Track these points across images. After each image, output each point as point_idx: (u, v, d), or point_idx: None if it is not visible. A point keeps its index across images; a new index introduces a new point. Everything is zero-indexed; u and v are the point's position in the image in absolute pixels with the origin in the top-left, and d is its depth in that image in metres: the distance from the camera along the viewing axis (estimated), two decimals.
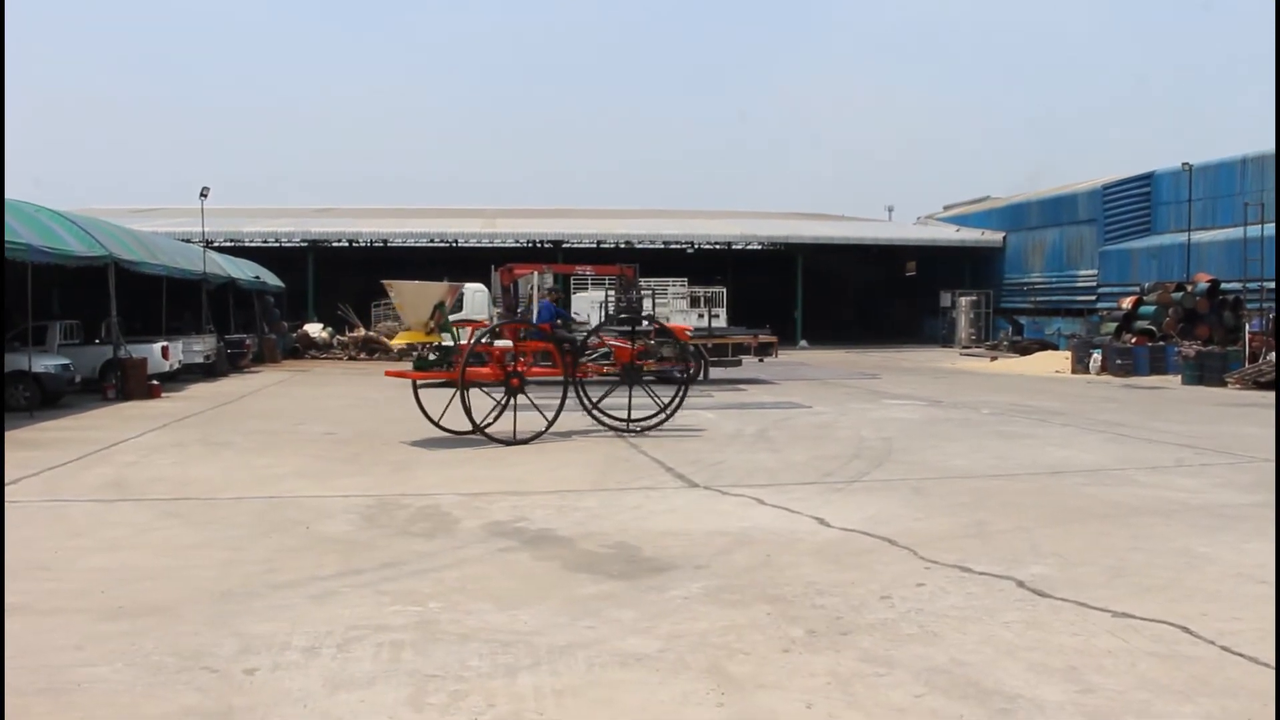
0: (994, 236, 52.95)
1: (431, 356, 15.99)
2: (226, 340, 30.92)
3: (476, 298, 26.61)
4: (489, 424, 15.06)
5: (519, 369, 15.52)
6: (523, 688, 5.15)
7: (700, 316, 32.32)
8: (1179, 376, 27.83)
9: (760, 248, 56.95)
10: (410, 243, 50.73)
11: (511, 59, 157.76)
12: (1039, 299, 49.57)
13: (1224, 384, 25.79)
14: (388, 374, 17.54)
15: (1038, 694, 5.04)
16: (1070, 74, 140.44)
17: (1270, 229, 33.39)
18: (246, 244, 46.04)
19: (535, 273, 28.08)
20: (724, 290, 38.94)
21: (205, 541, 8.49)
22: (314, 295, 46.06)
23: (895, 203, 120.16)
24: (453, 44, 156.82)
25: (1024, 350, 40.55)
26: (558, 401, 15.39)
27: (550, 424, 15.11)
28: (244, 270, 37.28)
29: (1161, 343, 31.67)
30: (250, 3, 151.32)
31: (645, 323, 17.60)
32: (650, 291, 29.81)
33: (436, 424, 15.39)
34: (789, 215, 60.63)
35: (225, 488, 11.04)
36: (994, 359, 39.12)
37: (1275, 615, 6.04)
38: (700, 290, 38.12)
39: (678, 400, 16.00)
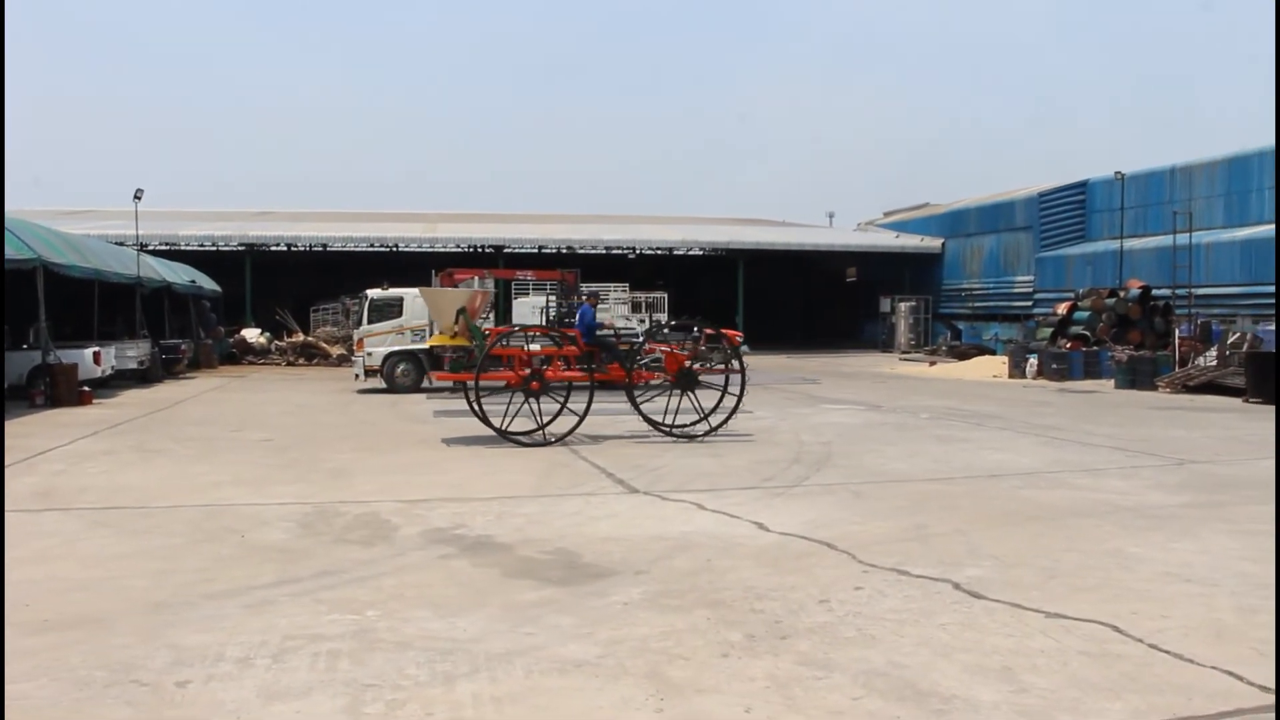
0: (933, 243, 53.64)
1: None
2: (161, 345, 30.42)
3: (416, 303, 26.33)
4: (545, 425, 15.27)
5: (543, 372, 15.67)
6: (461, 695, 5.11)
7: (642, 321, 32.34)
8: (1112, 381, 28.38)
9: (702, 253, 57.19)
10: (350, 247, 50.28)
11: (452, 62, 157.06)
12: (977, 304, 50.27)
13: (1155, 388, 26.32)
14: (437, 377, 17.46)
15: (973, 694, 5.10)
16: (1015, 81, 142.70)
17: (1198, 237, 34.20)
18: (183, 247, 45.32)
19: (476, 278, 27.95)
20: (665, 295, 39.01)
21: (137, 551, 8.33)
22: (252, 300, 45.46)
23: (836, 209, 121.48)
24: (393, 46, 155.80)
25: (962, 355, 41.12)
26: (624, 405, 15.73)
27: (574, 427, 15.29)
28: (180, 274, 36.71)
29: (1095, 348, 32.28)
30: (188, 4, 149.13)
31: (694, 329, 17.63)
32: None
33: (501, 432, 15.17)
34: (730, 221, 60.96)
35: (159, 496, 10.84)
36: (933, 364, 39.60)
37: (1275, 617, 6.14)
38: (642, 295, 38.16)
39: (736, 404, 16.21)
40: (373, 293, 26.96)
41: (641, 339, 17.83)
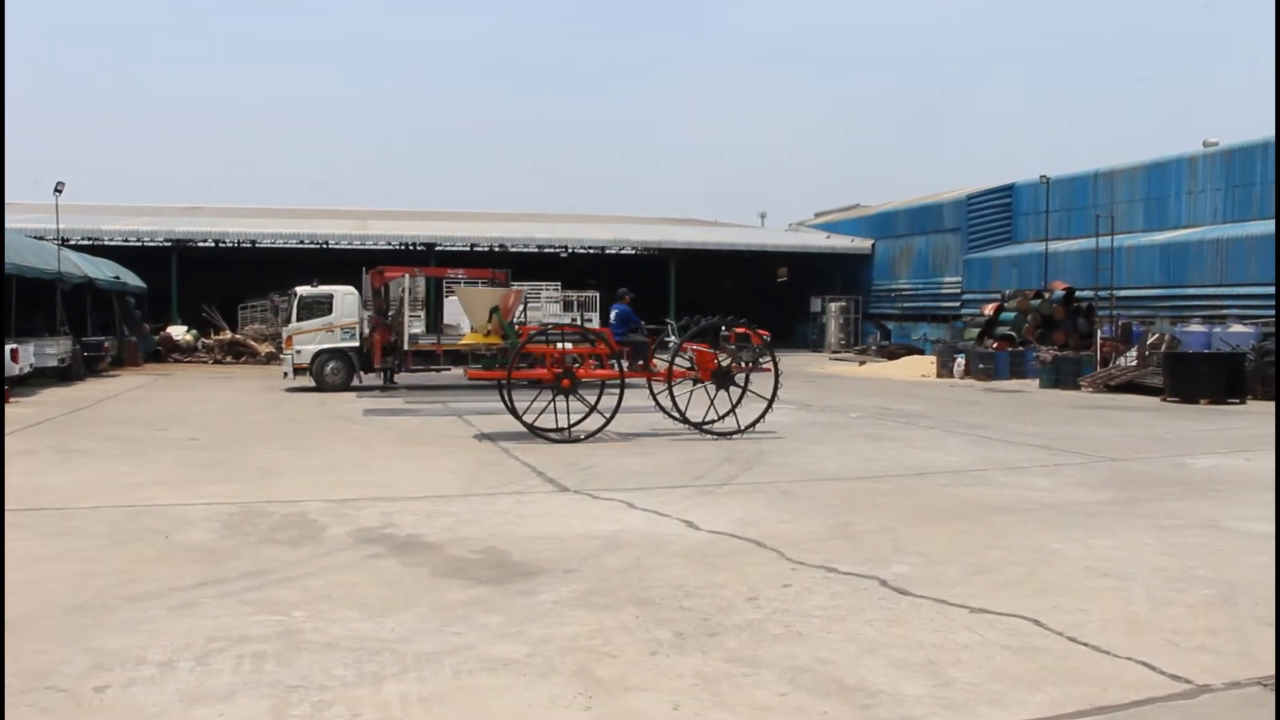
0: (863, 243, 54.20)
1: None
2: (83, 343, 29.74)
3: (346, 300, 26.04)
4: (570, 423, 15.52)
5: (575, 370, 15.87)
6: (388, 696, 5.07)
7: (573, 320, 32.30)
8: (1037, 380, 28.90)
9: (634, 252, 57.21)
10: (279, 243, 49.55)
11: (384, 60, 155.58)
12: (906, 305, 50.93)
13: (1078, 387, 26.87)
14: (471, 375, 17.45)
15: (898, 689, 5.17)
16: (945, 80, 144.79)
17: (1120, 240, 34.99)
18: (106, 243, 44.34)
19: (406, 275, 27.73)
20: (597, 294, 38.99)
21: (56, 554, 8.14)
22: (178, 297, 44.57)
23: (768, 209, 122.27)
24: (324, 40, 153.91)
25: (891, 355, 41.66)
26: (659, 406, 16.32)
27: (606, 423, 15.56)
28: (102, 270, 35.94)
29: (1021, 348, 32.84)
30: None
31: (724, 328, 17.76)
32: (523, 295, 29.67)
33: (538, 430, 15.32)
34: (663, 220, 61.09)
35: (80, 497, 10.60)
36: (863, 363, 40.08)
37: (1276, 610, 6.25)
38: (574, 294, 38.12)
39: (770, 401, 16.52)
40: (302, 290, 26.60)
41: (676, 339, 17.99)
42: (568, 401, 15.54)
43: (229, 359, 38.26)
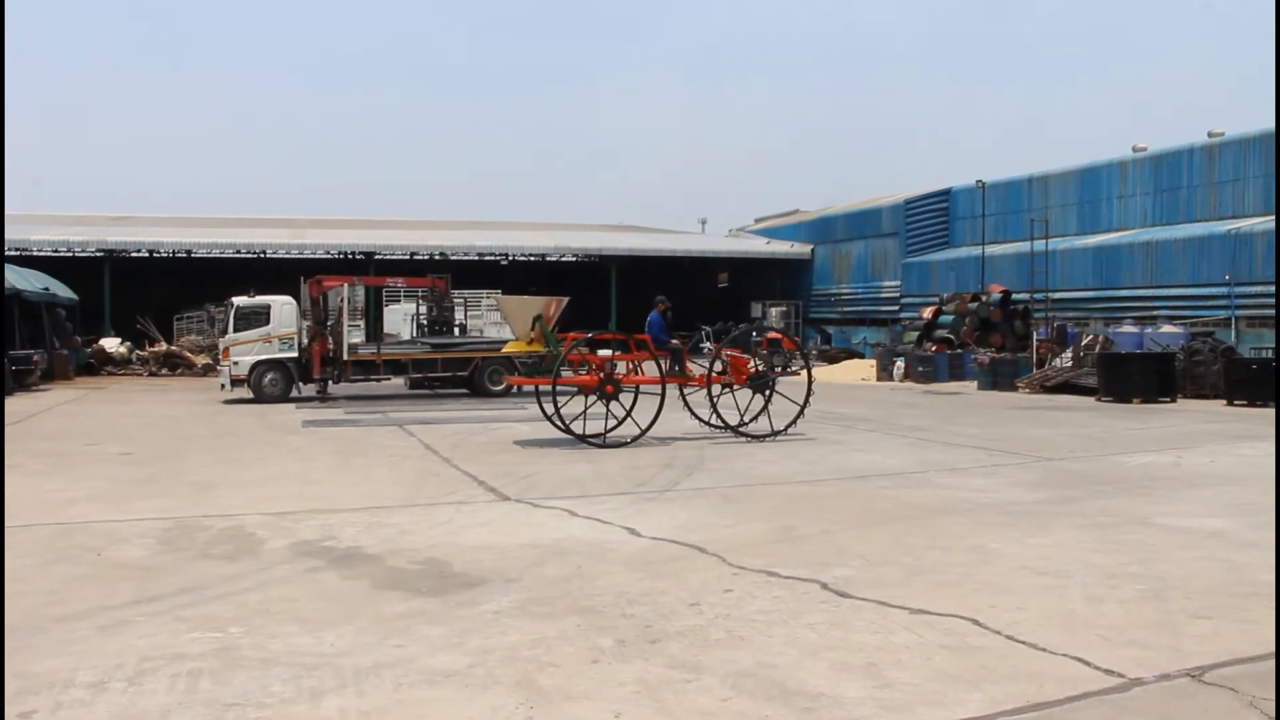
0: (803, 248, 54.58)
1: None
2: (10, 356, 29.06)
3: (284, 310, 25.71)
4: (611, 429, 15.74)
5: (617, 377, 16.20)
6: (328, 711, 5.00)
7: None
8: (975, 382, 29.31)
9: (575, 259, 57.18)
10: (215, 253, 48.94)
11: (322, 64, 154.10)
12: (846, 309, 51.35)
13: (1015, 388, 27.28)
14: (511, 381, 17.30)
15: (839, 691, 5.20)
16: (883, 86, 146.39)
17: (1054, 243, 35.60)
18: (35, 253, 43.45)
19: (345, 285, 27.46)
20: None
21: None
22: (111, 308, 43.73)
23: (708, 215, 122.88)
24: (255, 46, 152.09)
25: (832, 359, 41.98)
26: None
27: (647, 429, 15.82)
28: (31, 281, 35.22)
29: (959, 350, 33.30)
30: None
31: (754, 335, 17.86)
32: (463, 303, 29.56)
33: (584, 436, 15.51)
34: (603, 227, 61.12)
35: (7, 515, 10.32)
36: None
37: (1276, 614, 6.31)
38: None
39: (803, 406, 16.78)
40: (239, 300, 26.24)
41: (708, 345, 18.17)
42: (621, 405, 15.80)
43: (165, 371, 37.64)
